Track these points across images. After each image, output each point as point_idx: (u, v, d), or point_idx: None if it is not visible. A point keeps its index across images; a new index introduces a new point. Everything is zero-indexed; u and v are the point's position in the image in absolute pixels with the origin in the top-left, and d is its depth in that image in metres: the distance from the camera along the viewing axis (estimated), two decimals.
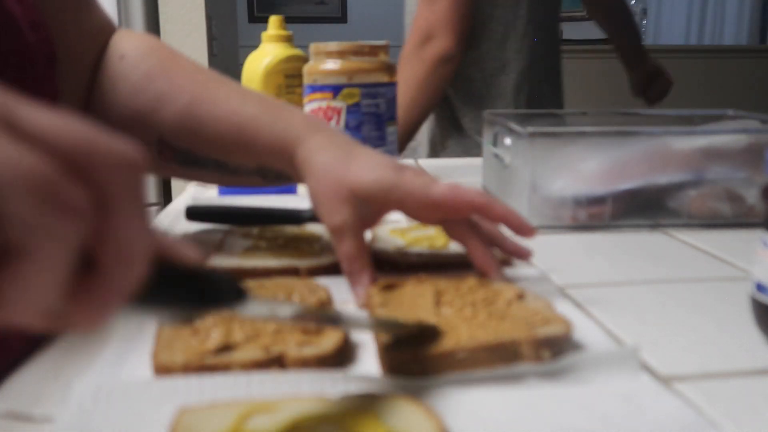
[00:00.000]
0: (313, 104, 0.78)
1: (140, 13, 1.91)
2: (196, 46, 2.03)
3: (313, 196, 0.49)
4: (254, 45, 0.94)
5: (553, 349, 0.36)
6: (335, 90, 0.76)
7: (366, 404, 0.30)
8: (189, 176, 0.60)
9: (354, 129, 0.76)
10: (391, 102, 0.79)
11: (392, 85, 0.79)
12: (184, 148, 0.55)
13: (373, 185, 0.47)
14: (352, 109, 0.76)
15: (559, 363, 0.35)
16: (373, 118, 0.77)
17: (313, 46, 0.79)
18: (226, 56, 2.48)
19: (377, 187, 0.47)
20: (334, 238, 0.47)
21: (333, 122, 0.76)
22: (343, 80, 0.76)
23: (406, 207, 0.48)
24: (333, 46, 0.77)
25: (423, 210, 0.48)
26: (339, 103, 0.76)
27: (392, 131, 0.80)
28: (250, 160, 0.54)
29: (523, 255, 0.50)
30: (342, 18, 5.43)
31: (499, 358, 0.35)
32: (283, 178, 0.55)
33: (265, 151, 0.52)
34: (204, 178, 0.60)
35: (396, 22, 5.52)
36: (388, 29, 5.35)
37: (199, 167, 0.57)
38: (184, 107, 0.53)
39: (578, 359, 0.35)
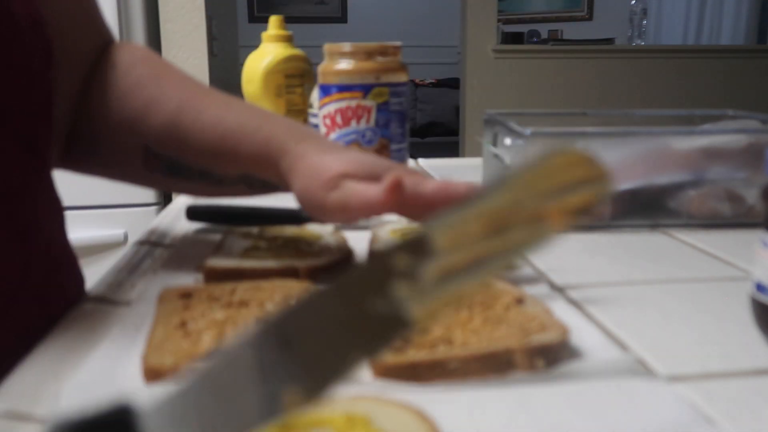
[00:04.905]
0: (339, 104, 0.78)
1: (140, 13, 1.91)
2: (196, 46, 2.03)
3: (302, 194, 0.48)
4: (254, 45, 0.94)
5: (548, 357, 0.36)
6: (365, 89, 0.77)
7: (358, 408, 0.30)
8: (176, 188, 0.60)
9: (383, 126, 0.78)
10: (408, 101, 0.82)
11: (407, 84, 0.82)
12: (169, 156, 0.54)
13: (362, 168, 0.46)
14: (381, 108, 0.78)
15: (553, 373, 0.35)
16: (398, 116, 0.79)
17: (329, 47, 0.79)
18: (226, 56, 2.48)
19: (367, 171, 0.46)
20: (342, 210, 0.45)
21: (363, 121, 0.78)
22: (372, 79, 0.77)
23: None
24: (357, 46, 0.78)
25: (413, 206, 0.45)
26: (369, 102, 0.77)
27: (407, 129, 0.83)
28: (234, 169, 0.53)
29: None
30: (342, 18, 5.43)
31: (492, 368, 0.35)
32: (270, 186, 0.55)
33: (249, 160, 0.51)
34: (190, 189, 0.59)
35: (396, 22, 5.52)
36: (388, 29, 5.36)
37: (184, 177, 0.56)
38: (171, 115, 0.53)
39: (573, 369, 0.35)
